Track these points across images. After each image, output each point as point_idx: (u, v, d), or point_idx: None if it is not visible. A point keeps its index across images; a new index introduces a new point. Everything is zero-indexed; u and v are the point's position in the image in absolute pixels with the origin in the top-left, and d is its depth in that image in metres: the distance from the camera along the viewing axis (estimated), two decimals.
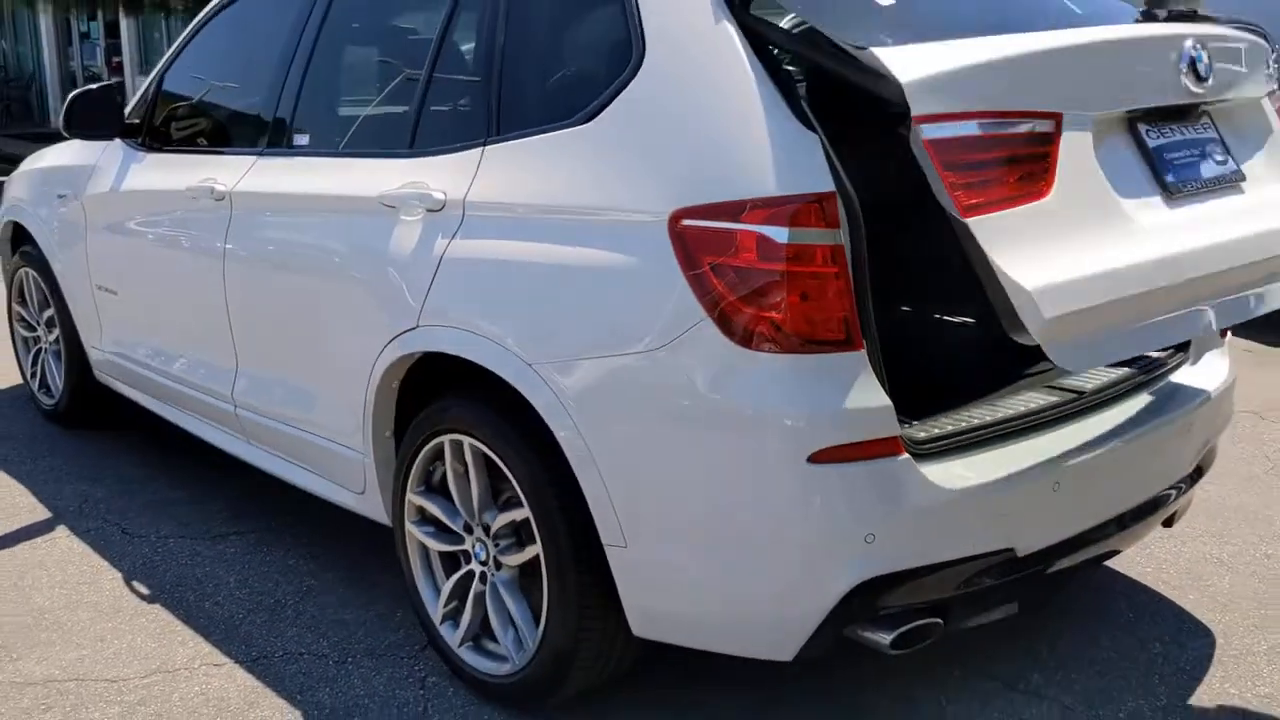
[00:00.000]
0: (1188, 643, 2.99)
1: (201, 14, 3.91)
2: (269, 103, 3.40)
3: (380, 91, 3.18)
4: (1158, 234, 2.38)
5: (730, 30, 2.28)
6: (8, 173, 5.09)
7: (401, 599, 3.18)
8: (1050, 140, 2.26)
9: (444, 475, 2.78)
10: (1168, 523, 2.92)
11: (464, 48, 2.88)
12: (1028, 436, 2.42)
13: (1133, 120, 2.49)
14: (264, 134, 3.40)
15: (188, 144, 3.88)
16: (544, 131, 2.53)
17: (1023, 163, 2.24)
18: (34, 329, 4.81)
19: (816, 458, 2.14)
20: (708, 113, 2.27)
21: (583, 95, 2.51)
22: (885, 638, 2.25)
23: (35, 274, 4.62)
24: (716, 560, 2.27)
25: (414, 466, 2.82)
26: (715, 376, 2.20)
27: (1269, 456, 4.29)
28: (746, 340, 2.16)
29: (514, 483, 2.54)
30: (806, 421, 2.14)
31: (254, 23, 3.74)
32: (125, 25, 17.67)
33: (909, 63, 2.12)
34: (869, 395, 2.15)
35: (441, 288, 2.63)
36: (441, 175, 2.71)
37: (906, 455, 2.18)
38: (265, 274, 3.25)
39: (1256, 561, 3.44)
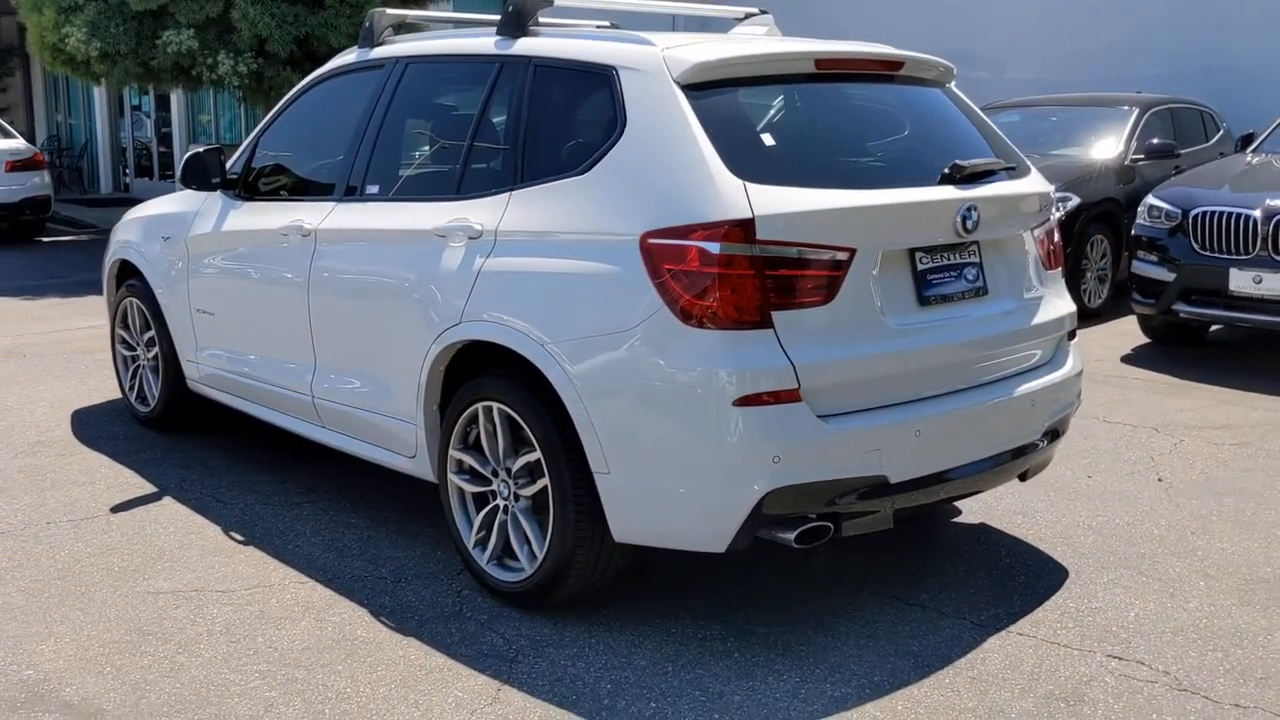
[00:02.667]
0: (1046, 575, 3.90)
1: (287, 96, 4.95)
2: (346, 161, 4.40)
3: (433, 153, 4.19)
4: (902, 333, 3.35)
5: (685, 108, 3.28)
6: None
7: (441, 543, 4.11)
8: (843, 266, 3.22)
9: (478, 435, 3.72)
10: (1022, 477, 3.85)
11: (496, 120, 3.89)
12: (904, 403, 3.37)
13: (912, 251, 3.42)
14: (341, 185, 4.40)
15: (276, 194, 4.90)
16: (554, 180, 3.52)
17: (821, 279, 3.20)
18: (134, 349, 5.81)
19: (739, 402, 3.08)
20: (668, 166, 3.26)
21: (582, 154, 3.51)
22: (789, 535, 3.18)
23: (139, 302, 5.62)
24: (670, 480, 3.21)
25: (454, 429, 3.76)
26: (671, 349, 3.15)
27: (1152, 458, 5.20)
28: (693, 322, 3.11)
29: (530, 434, 3.49)
30: (733, 377, 3.09)
31: (334, 101, 4.77)
32: (175, 99, 18.99)
33: (768, 198, 3.15)
34: (776, 359, 3.11)
35: (479, 293, 3.60)
36: (480, 212, 3.70)
37: (804, 403, 3.12)
38: (341, 290, 4.23)
39: (1118, 529, 4.34)
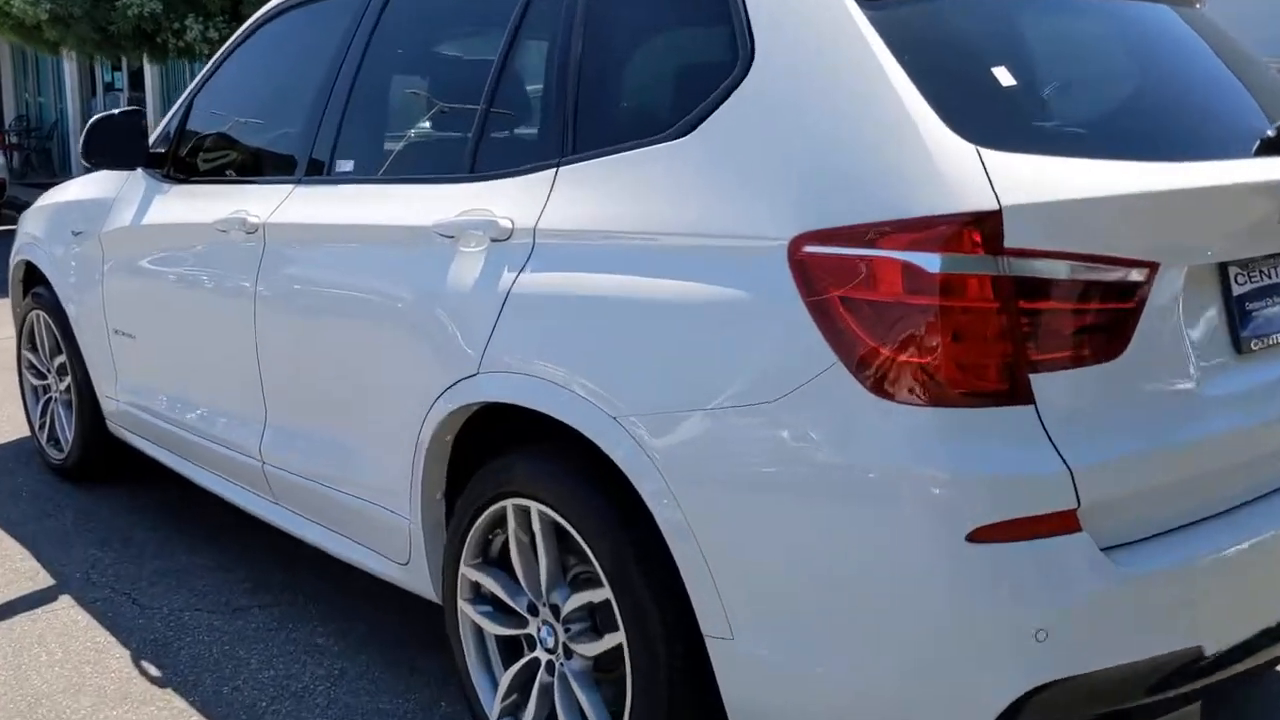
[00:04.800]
0: None
1: (234, 36, 3.61)
2: (308, 127, 3.07)
3: (433, 111, 2.85)
4: (1221, 403, 2.01)
5: (858, 22, 1.94)
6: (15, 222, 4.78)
7: (445, 686, 2.79)
8: (1138, 293, 1.88)
9: (505, 546, 2.41)
10: None
11: (532, 57, 2.55)
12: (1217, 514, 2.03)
13: (1224, 266, 2.08)
14: (302, 161, 3.06)
15: (217, 174, 3.56)
16: (630, 148, 2.18)
17: (1108, 316, 1.87)
18: (44, 377, 4.47)
19: (976, 536, 1.75)
20: (835, 119, 1.92)
21: (677, 104, 2.18)
22: None
23: (47, 317, 4.29)
24: (844, 659, 1.88)
25: (470, 535, 2.44)
26: (847, 434, 1.82)
27: None
28: (886, 390, 1.78)
29: (592, 557, 2.17)
30: (963, 491, 1.76)
31: (292, 43, 3.42)
32: (149, 74, 17.58)
33: (1018, 176, 1.80)
34: (1040, 457, 1.78)
35: (508, 328, 2.27)
36: (507, 200, 2.37)
37: (1085, 532, 1.79)
38: (301, 314, 2.90)
39: None
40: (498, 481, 2.35)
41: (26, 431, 4.73)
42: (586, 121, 2.31)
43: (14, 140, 20.17)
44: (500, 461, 2.37)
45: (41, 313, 4.33)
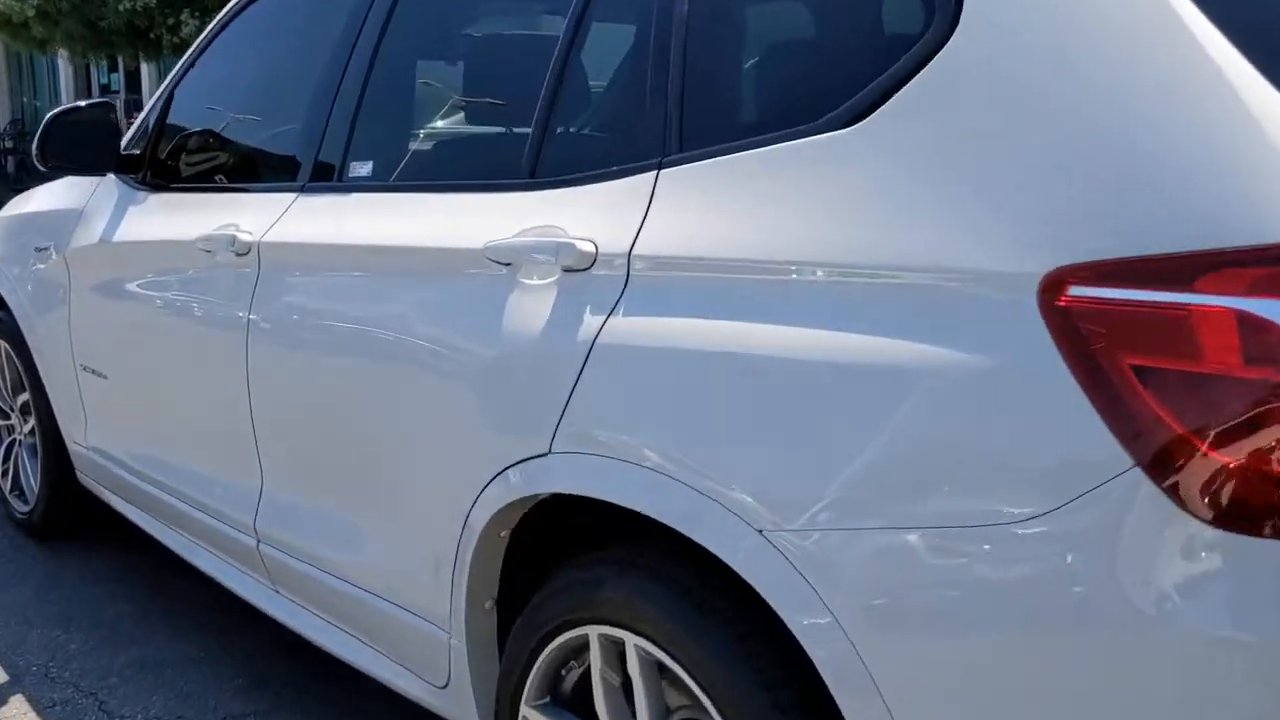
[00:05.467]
0: None
1: (222, 13, 2.98)
2: (314, 121, 2.44)
3: (479, 97, 2.21)
4: None
5: None
6: None
7: None
8: None
9: (584, 682, 1.77)
10: None
11: (616, 22, 1.92)
12: None
13: None
14: (306, 163, 2.43)
15: (203, 180, 2.93)
16: (768, 142, 1.55)
17: None
18: (7, 416, 3.85)
19: None
20: (1108, 96, 1.28)
21: (837, 82, 1.54)
22: None
23: (9, 347, 3.66)
24: None
25: (534, 667, 1.81)
26: (1144, 570, 1.19)
27: None
28: (1207, 510, 1.15)
29: (714, 714, 1.53)
30: None
31: (293, 20, 2.80)
32: (146, 75, 16.98)
33: None
34: None
35: (593, 392, 1.64)
36: (586, 215, 1.74)
37: None
38: (306, 359, 2.27)
39: None
40: (576, 602, 1.72)
41: None
42: (699, 107, 1.67)
43: (9, 145, 19.57)
44: (578, 573, 1.74)
45: (2, 342, 3.71)
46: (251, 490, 2.49)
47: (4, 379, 3.80)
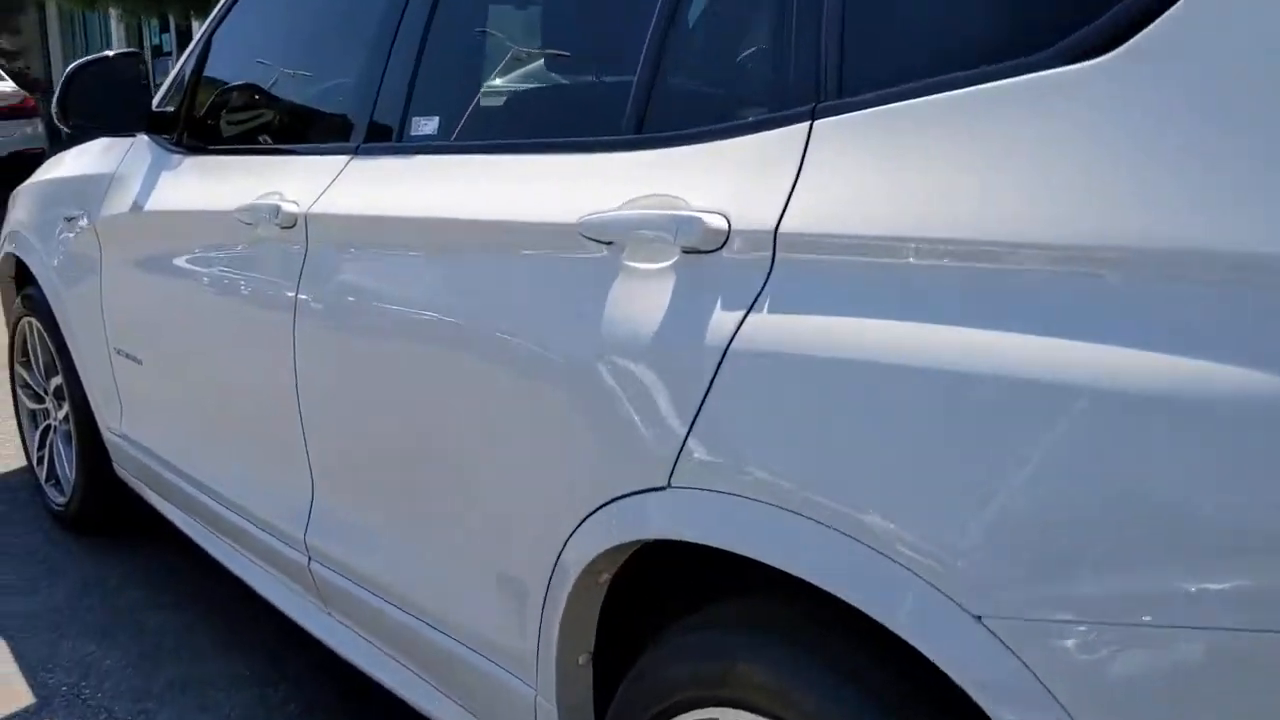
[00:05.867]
0: None
1: None
2: (370, 71, 2.07)
3: (568, 34, 1.84)
4: None
5: None
6: None
7: None
8: None
9: None
10: None
11: None
12: None
13: None
14: (361, 120, 2.07)
15: (244, 140, 2.59)
16: (967, 82, 1.16)
17: None
18: (42, 399, 3.56)
19: None
20: None
21: None
22: None
23: (40, 326, 3.36)
24: None
25: None
26: None
27: None
28: None
29: None
30: None
31: None
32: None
33: None
34: None
35: (728, 411, 1.27)
36: (715, 180, 1.36)
37: None
38: (361, 350, 1.92)
39: None
40: (701, 674, 1.35)
41: (24, 464, 3.83)
42: (868, 34, 1.28)
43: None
44: (700, 636, 1.38)
45: (34, 320, 3.41)
46: (301, 499, 2.16)
47: (37, 360, 3.51)
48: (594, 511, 1.44)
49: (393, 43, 2.01)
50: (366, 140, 2.03)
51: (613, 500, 1.40)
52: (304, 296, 2.04)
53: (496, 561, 1.67)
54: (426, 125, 1.92)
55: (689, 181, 1.39)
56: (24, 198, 3.47)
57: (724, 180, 1.35)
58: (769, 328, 1.25)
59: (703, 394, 1.29)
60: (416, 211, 1.81)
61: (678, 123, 1.48)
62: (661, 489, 1.34)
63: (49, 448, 3.53)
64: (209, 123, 2.61)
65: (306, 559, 2.17)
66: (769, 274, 1.27)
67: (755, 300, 1.27)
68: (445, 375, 1.72)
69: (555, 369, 1.51)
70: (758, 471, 1.24)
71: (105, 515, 3.36)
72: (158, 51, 18.73)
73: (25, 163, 11.69)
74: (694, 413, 1.30)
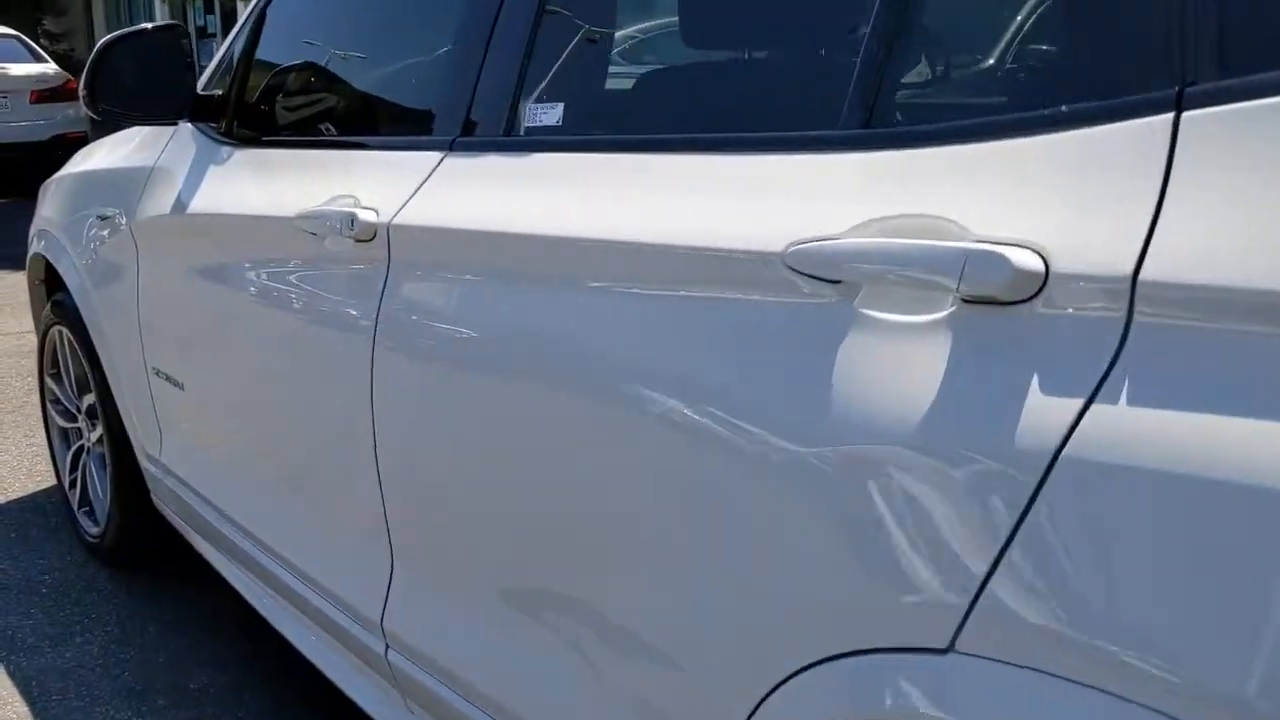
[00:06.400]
0: None
1: None
2: (469, 47, 1.66)
3: None
4: None
5: None
6: None
7: None
8: None
9: None
10: None
11: None
12: None
13: None
14: (458, 107, 1.65)
15: (304, 131, 2.18)
16: None
17: None
18: (73, 417, 3.19)
19: None
20: None
21: None
22: None
23: (71, 337, 2.98)
24: None
25: None
26: None
27: None
28: None
29: None
30: None
31: None
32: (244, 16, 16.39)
33: None
34: None
35: (1058, 546, 0.84)
36: (1010, 196, 0.93)
37: None
38: (462, 399, 1.50)
39: None
40: None
41: (49, 481, 3.47)
42: None
43: None
44: None
45: (64, 329, 3.03)
46: (377, 573, 1.76)
47: (68, 374, 3.13)
48: (816, 664, 1.02)
49: (499, 8, 1.58)
50: (464, 133, 1.61)
51: (853, 654, 0.98)
52: (385, 327, 1.63)
53: (652, 697, 1.25)
54: (547, 114, 1.49)
55: (961, 197, 0.96)
56: (54, 192, 3.09)
57: (1029, 197, 0.92)
58: (1126, 422, 0.82)
59: (1017, 517, 0.86)
60: (538, 227, 1.39)
61: (936, 113, 1.05)
62: (940, 652, 0.91)
63: (81, 470, 3.16)
64: (263, 109, 2.21)
65: (384, 648, 1.77)
66: (1123, 340, 0.83)
67: (1103, 381, 0.84)
68: (578, 442, 1.30)
69: (752, 449, 1.09)
70: (1111, 645, 0.81)
71: (144, 550, 2.98)
72: (202, 33, 18.41)
73: (66, 146, 11.42)
74: (1002, 544, 0.87)
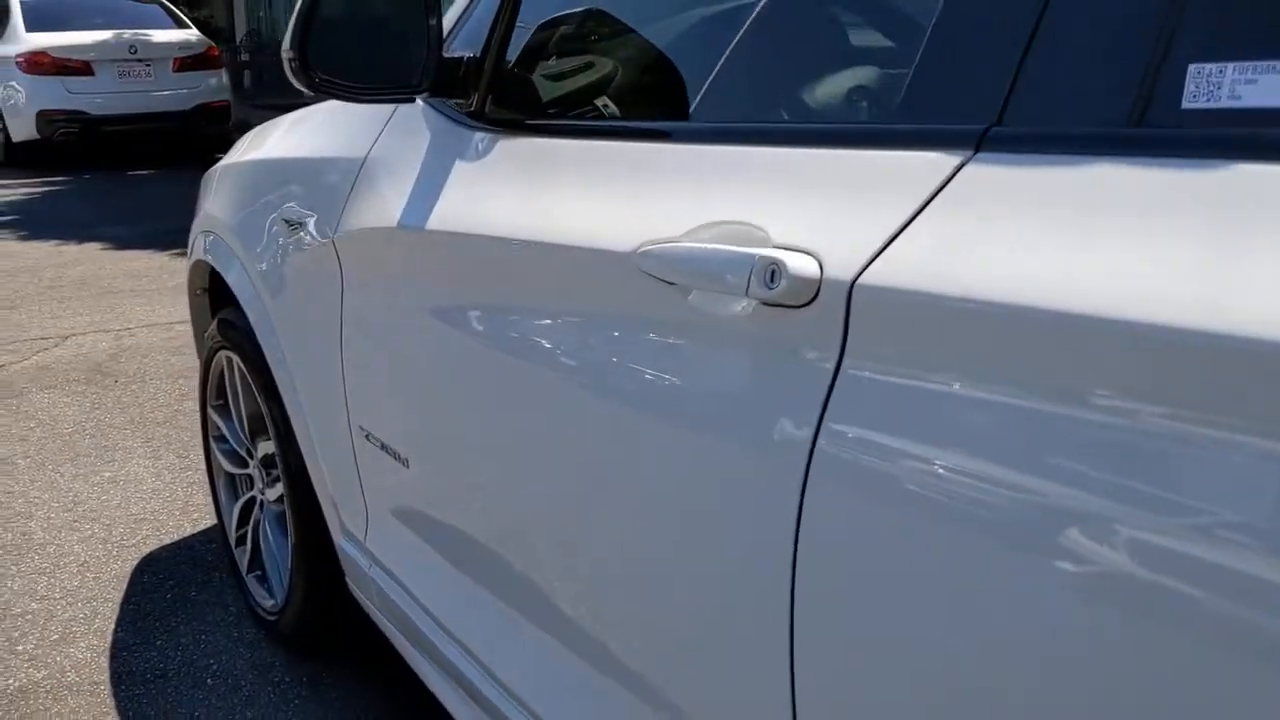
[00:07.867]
0: None
1: None
2: None
3: None
4: None
5: None
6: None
7: None
8: None
9: None
10: None
11: None
12: None
13: None
14: (998, 72, 0.93)
15: (623, 109, 1.50)
16: None
17: None
18: (244, 463, 2.58)
19: None
20: None
21: None
22: None
23: (243, 366, 2.37)
24: None
25: None
26: None
27: None
28: None
29: None
30: None
31: None
32: None
33: None
34: None
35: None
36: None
37: None
38: (982, 588, 0.80)
39: None
40: None
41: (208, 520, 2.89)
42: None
43: (245, 58, 19.05)
44: None
45: (233, 356, 2.42)
46: None
47: (238, 409, 2.52)
48: None
49: None
50: (1002, 120, 0.90)
51: None
52: (827, 450, 0.93)
53: None
54: (1253, 86, 0.76)
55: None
56: (222, 185, 2.47)
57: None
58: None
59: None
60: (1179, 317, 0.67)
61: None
62: None
63: (253, 527, 2.56)
64: (543, 79, 1.52)
65: None
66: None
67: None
68: None
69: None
70: None
71: (332, 639, 2.37)
72: None
73: (210, 116, 11.09)
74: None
